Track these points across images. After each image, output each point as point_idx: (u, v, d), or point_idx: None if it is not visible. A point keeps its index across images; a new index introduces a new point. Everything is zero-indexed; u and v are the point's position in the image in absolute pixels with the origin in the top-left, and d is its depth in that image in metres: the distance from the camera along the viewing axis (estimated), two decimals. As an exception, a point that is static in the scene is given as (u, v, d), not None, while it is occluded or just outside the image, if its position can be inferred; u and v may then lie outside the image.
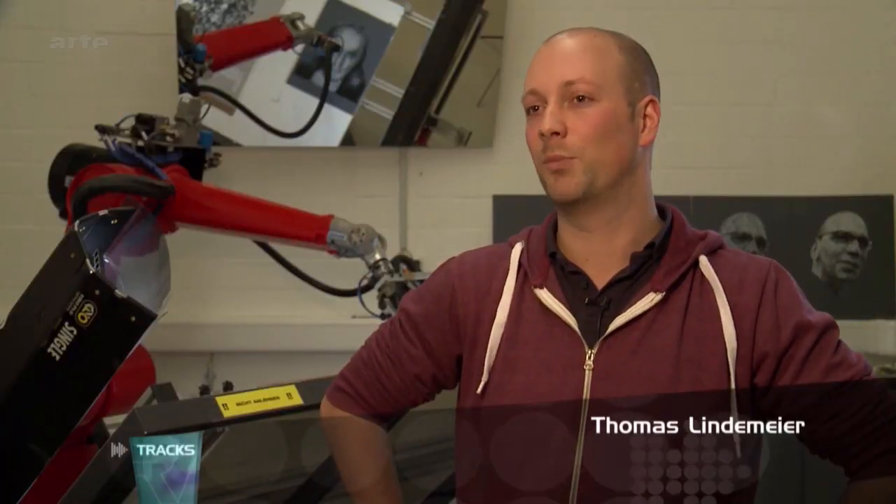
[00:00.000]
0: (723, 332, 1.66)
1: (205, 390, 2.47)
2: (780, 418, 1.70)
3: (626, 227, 1.71)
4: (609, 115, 1.67)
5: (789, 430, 1.72)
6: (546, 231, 1.77)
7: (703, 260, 1.70)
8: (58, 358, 2.15)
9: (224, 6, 4.00)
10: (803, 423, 1.68)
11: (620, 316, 1.67)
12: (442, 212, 4.23)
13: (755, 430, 1.72)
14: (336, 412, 1.89)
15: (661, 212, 1.77)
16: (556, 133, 1.66)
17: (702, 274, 1.70)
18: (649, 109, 1.71)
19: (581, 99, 1.67)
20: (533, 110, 1.71)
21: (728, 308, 1.67)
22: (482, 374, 1.73)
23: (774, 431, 1.82)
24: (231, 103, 4.01)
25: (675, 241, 1.72)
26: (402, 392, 1.85)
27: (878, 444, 1.65)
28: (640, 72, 1.71)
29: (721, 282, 1.68)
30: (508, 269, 1.76)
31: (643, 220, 1.73)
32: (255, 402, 2.16)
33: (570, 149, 1.66)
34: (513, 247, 1.79)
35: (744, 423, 1.67)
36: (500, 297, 1.74)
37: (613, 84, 1.68)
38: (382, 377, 1.84)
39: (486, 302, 1.76)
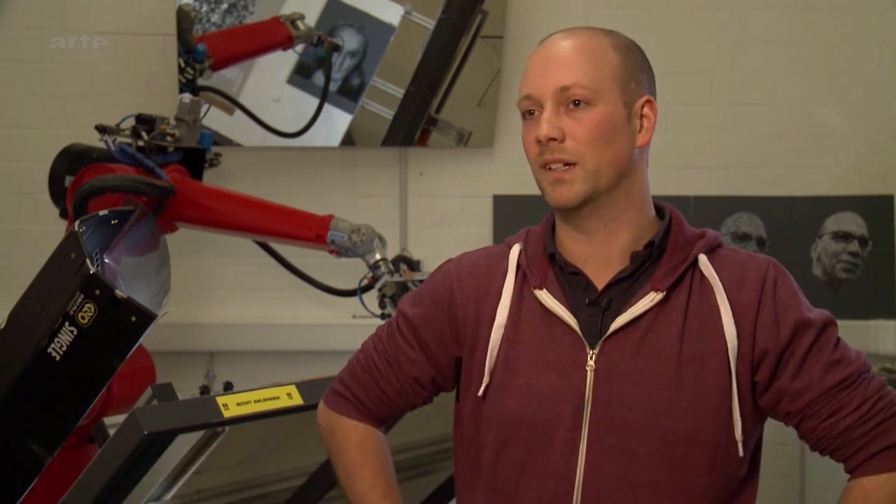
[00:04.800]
0: (723, 330, 1.66)
1: (205, 390, 2.46)
2: (780, 415, 1.70)
3: (625, 228, 1.71)
4: (606, 119, 1.66)
5: (789, 427, 1.73)
6: (544, 232, 1.77)
7: (703, 258, 1.71)
8: (58, 358, 2.15)
9: (224, 6, 4.00)
10: (804, 420, 1.68)
11: (621, 316, 1.67)
12: (442, 212, 4.23)
13: (756, 428, 1.73)
14: (334, 416, 1.88)
15: (659, 211, 1.77)
16: (554, 139, 1.66)
17: (701, 273, 1.70)
18: (646, 109, 1.71)
19: (577, 104, 1.66)
20: (529, 114, 1.71)
21: (728, 306, 1.67)
22: (483, 375, 1.73)
23: (775, 429, 1.82)
24: (231, 103, 4.01)
25: (674, 240, 1.72)
26: (401, 395, 1.85)
27: (878, 441, 1.66)
28: (635, 71, 1.70)
29: (721, 280, 1.69)
30: (507, 270, 1.76)
31: (642, 220, 1.73)
32: (255, 402, 2.17)
33: (569, 153, 1.66)
34: (510, 248, 1.79)
35: (745, 421, 1.67)
36: (500, 299, 1.74)
37: (609, 87, 1.67)
38: (381, 381, 1.84)
39: (485, 303, 1.76)
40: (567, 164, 1.66)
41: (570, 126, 1.66)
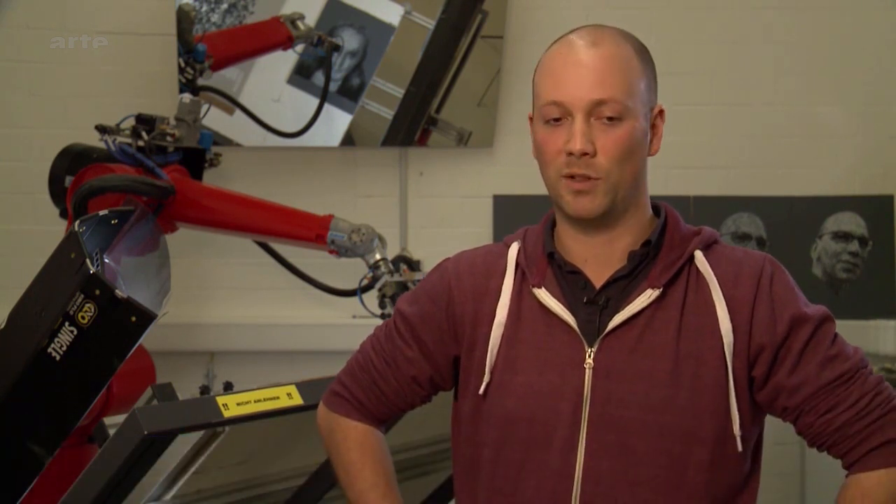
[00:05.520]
0: (720, 326, 1.67)
1: (205, 390, 2.46)
2: (778, 411, 1.70)
3: (627, 232, 1.72)
4: (634, 134, 1.67)
5: (787, 423, 1.73)
6: (543, 231, 1.77)
7: (699, 255, 1.71)
8: (58, 358, 2.15)
9: (224, 6, 4.00)
10: (801, 416, 1.69)
11: (619, 314, 1.68)
12: (442, 212, 4.23)
13: (755, 424, 1.73)
14: (333, 416, 1.88)
15: (655, 209, 1.78)
16: (586, 153, 1.65)
17: (697, 269, 1.71)
18: (657, 119, 1.72)
19: (609, 117, 1.66)
20: (554, 121, 1.69)
21: (724, 302, 1.68)
22: (482, 374, 1.73)
23: (775, 429, 1.81)
24: (231, 103, 4.01)
25: (670, 238, 1.73)
26: (399, 395, 1.85)
27: (875, 436, 1.66)
28: (651, 79, 1.72)
29: (717, 276, 1.69)
30: (506, 269, 1.76)
31: (642, 221, 1.74)
32: (255, 402, 2.17)
33: (597, 169, 1.66)
34: (508, 246, 1.79)
35: (743, 416, 1.67)
36: (499, 297, 1.74)
37: (637, 99, 1.67)
38: (379, 380, 1.84)
39: (483, 302, 1.76)
40: (591, 178, 1.67)
41: (602, 141, 1.65)
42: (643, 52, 1.72)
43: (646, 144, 1.70)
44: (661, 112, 1.73)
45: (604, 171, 1.65)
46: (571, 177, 1.67)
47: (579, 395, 1.67)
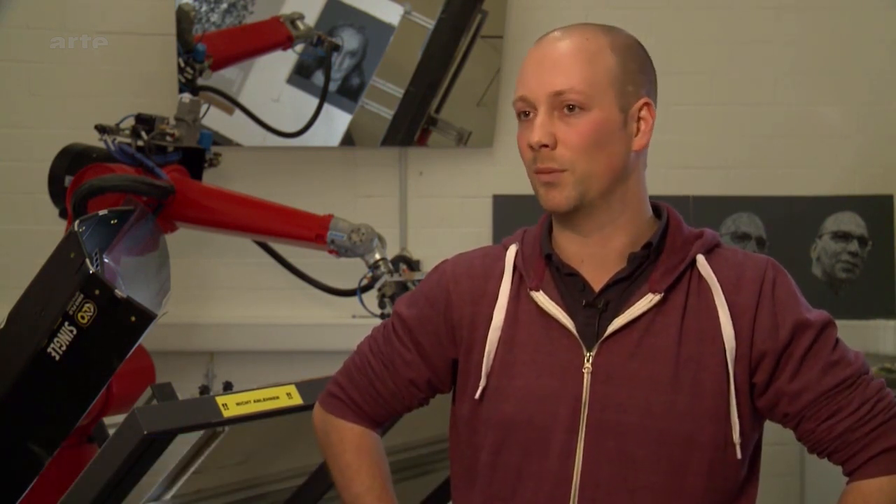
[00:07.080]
0: (721, 331, 1.65)
1: (205, 390, 2.46)
2: (779, 417, 1.70)
3: (621, 231, 1.70)
4: (600, 125, 1.64)
5: (788, 429, 1.72)
6: (541, 232, 1.76)
7: (701, 259, 1.69)
8: (58, 358, 2.15)
9: (224, 6, 3.99)
10: (802, 422, 1.68)
11: (619, 318, 1.66)
12: (442, 212, 4.23)
13: (754, 430, 1.72)
14: (329, 418, 1.88)
15: (657, 210, 1.75)
16: (546, 146, 1.65)
17: (699, 273, 1.68)
18: (643, 112, 1.68)
19: (571, 108, 1.64)
20: (524, 115, 1.69)
21: (726, 307, 1.66)
22: (479, 378, 1.72)
23: (774, 430, 1.81)
24: (231, 103, 4.01)
25: (671, 241, 1.71)
26: (397, 397, 1.84)
27: (877, 443, 1.65)
28: (633, 72, 1.67)
29: (719, 281, 1.67)
30: (503, 272, 1.75)
31: (638, 222, 1.71)
32: (255, 401, 2.16)
33: (560, 161, 1.64)
34: (507, 249, 1.78)
35: (743, 422, 1.66)
36: (496, 300, 1.73)
37: (605, 91, 1.64)
38: (376, 382, 1.83)
39: (481, 304, 1.74)
40: (555, 169, 1.65)
41: (563, 132, 1.64)
42: (626, 48, 1.67)
43: (623, 137, 1.66)
44: (647, 105, 1.67)
45: (567, 161, 1.64)
46: (541, 174, 1.66)
47: (578, 399, 1.65)
